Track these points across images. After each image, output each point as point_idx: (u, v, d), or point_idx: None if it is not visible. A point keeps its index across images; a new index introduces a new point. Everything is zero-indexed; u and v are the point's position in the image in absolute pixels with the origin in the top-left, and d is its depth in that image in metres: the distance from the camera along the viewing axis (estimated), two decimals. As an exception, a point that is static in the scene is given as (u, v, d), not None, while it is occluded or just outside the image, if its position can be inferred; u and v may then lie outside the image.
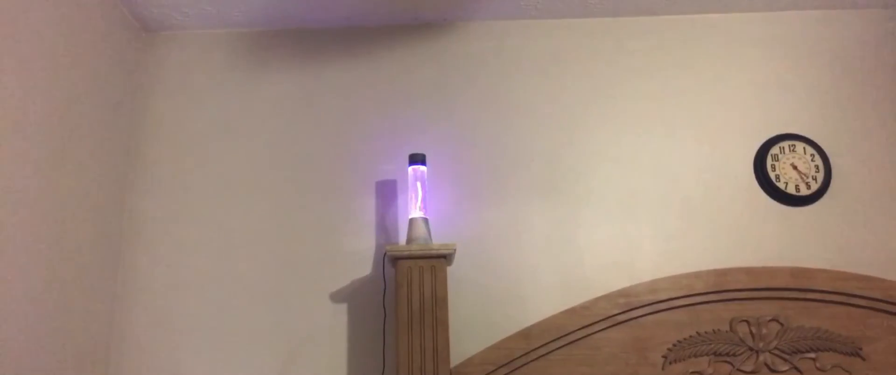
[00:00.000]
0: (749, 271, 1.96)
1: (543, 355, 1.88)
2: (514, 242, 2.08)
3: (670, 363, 1.88)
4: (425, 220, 1.93)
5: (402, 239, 2.03)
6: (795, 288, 1.94)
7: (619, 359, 1.88)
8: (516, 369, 1.87)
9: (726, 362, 1.88)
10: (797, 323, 1.91)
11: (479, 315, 1.99)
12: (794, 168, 2.13)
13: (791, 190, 2.11)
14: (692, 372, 1.87)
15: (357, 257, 2.06)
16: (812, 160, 2.13)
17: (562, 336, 1.90)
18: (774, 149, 2.15)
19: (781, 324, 1.91)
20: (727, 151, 2.17)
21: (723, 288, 1.94)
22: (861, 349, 1.89)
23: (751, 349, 1.89)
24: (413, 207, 1.95)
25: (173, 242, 2.09)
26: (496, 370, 1.86)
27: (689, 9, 2.28)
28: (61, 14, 1.83)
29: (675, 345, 1.89)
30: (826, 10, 2.31)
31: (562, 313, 1.93)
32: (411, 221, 1.93)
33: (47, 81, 1.76)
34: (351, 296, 2.04)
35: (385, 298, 1.99)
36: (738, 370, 1.87)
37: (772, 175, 2.12)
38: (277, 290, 2.04)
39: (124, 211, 2.12)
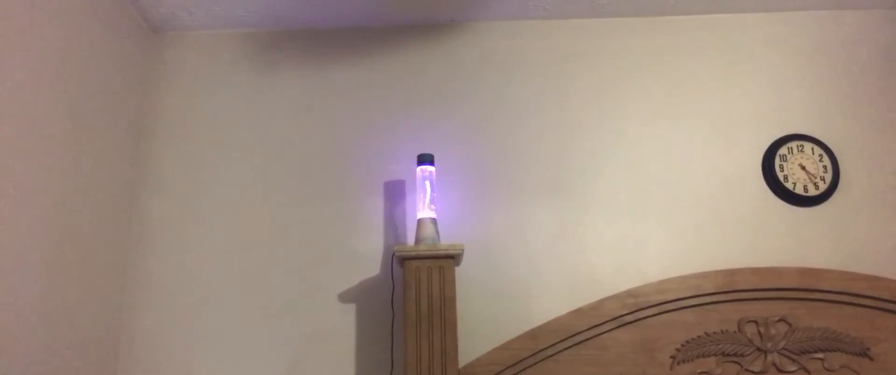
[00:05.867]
0: (757, 271, 1.96)
1: (551, 355, 1.89)
2: (522, 242, 2.08)
3: (678, 363, 1.88)
4: (433, 221, 1.93)
5: (411, 240, 2.03)
6: (803, 289, 1.94)
7: (627, 360, 1.88)
8: (524, 369, 1.87)
9: (734, 362, 1.88)
10: (805, 324, 1.91)
11: (486, 315, 2.00)
12: (803, 168, 2.12)
13: (799, 190, 2.11)
14: (700, 373, 1.87)
15: (365, 257, 2.07)
16: (820, 160, 2.13)
17: (569, 337, 1.90)
18: (782, 150, 2.14)
19: (789, 324, 1.91)
20: (735, 151, 2.17)
21: (731, 289, 1.94)
22: (869, 349, 1.89)
23: (759, 349, 1.89)
24: (421, 207, 1.95)
25: (181, 242, 2.10)
26: (504, 370, 1.86)
27: (697, 9, 2.28)
28: (69, 14, 1.84)
29: (683, 346, 1.89)
30: (834, 10, 2.31)
31: (569, 313, 1.93)
32: (419, 221, 1.93)
33: (55, 81, 1.76)
34: (359, 297, 2.04)
35: (393, 298, 1.99)
36: (747, 370, 1.87)
37: (780, 175, 2.12)
38: (285, 290, 2.05)
39: (132, 211, 2.13)
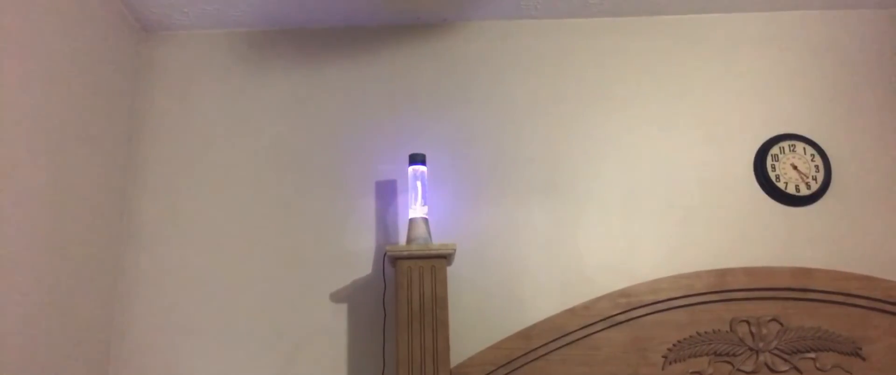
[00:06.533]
0: (749, 271, 1.96)
1: (543, 355, 1.88)
2: (514, 242, 2.08)
3: (670, 363, 1.88)
4: (425, 220, 1.93)
5: (402, 240, 2.03)
6: (795, 288, 1.94)
7: (619, 359, 1.88)
8: (516, 369, 1.87)
9: (726, 362, 1.88)
10: (797, 323, 1.91)
11: (478, 315, 1.99)
12: (795, 168, 2.13)
13: (791, 190, 2.11)
14: (692, 372, 1.87)
15: (357, 257, 2.06)
16: (812, 160, 2.13)
17: (562, 337, 1.89)
18: (774, 149, 2.15)
19: (781, 324, 1.91)
20: (727, 151, 2.17)
21: (723, 288, 1.94)
22: (861, 349, 1.89)
23: (751, 349, 1.89)
24: (413, 207, 1.95)
25: (173, 242, 2.09)
26: (496, 370, 1.86)
27: (689, 8, 2.28)
28: (61, 13, 1.83)
29: (675, 345, 1.89)
30: (826, 10, 2.31)
31: (562, 313, 1.93)
32: (411, 221, 1.93)
33: (47, 81, 1.76)
34: (351, 296, 2.04)
35: (385, 298, 1.98)
36: (738, 370, 1.87)
37: (772, 175, 2.12)
38: (277, 290, 2.04)
39: (124, 210, 2.12)
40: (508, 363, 1.87)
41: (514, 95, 2.23)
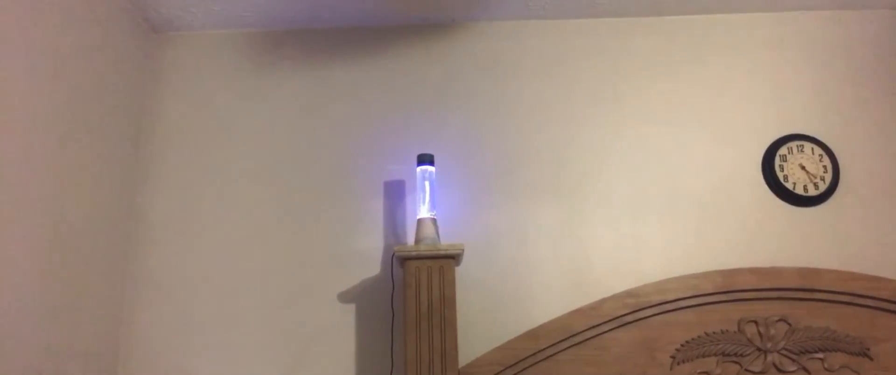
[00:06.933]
0: (757, 271, 1.96)
1: (551, 355, 1.89)
2: (522, 242, 2.08)
3: (678, 363, 1.88)
4: (433, 221, 1.93)
5: (411, 240, 2.03)
6: (803, 289, 1.94)
7: (627, 360, 1.88)
8: (524, 369, 1.87)
9: (734, 362, 1.88)
10: (805, 324, 1.91)
11: (486, 315, 2.00)
12: (803, 168, 2.13)
13: (799, 190, 2.11)
14: (700, 373, 1.87)
15: (365, 257, 2.07)
16: (820, 160, 2.13)
17: (569, 337, 1.90)
18: (783, 150, 2.14)
19: (789, 325, 1.91)
20: (735, 151, 2.17)
21: (731, 289, 1.94)
22: (869, 349, 1.89)
23: (759, 349, 1.89)
24: (421, 207, 1.95)
25: (181, 242, 2.10)
26: (504, 370, 1.86)
27: (697, 9, 2.28)
28: (70, 14, 1.84)
29: (683, 346, 1.89)
30: (835, 10, 2.30)
31: (569, 313, 1.93)
32: (419, 221, 1.93)
33: (56, 81, 1.76)
34: (359, 296, 2.04)
35: (393, 298, 1.99)
36: (747, 370, 1.87)
37: (780, 175, 2.12)
38: (286, 290, 2.05)
39: (132, 211, 2.12)
40: (516, 363, 1.87)
41: (522, 95, 2.23)
